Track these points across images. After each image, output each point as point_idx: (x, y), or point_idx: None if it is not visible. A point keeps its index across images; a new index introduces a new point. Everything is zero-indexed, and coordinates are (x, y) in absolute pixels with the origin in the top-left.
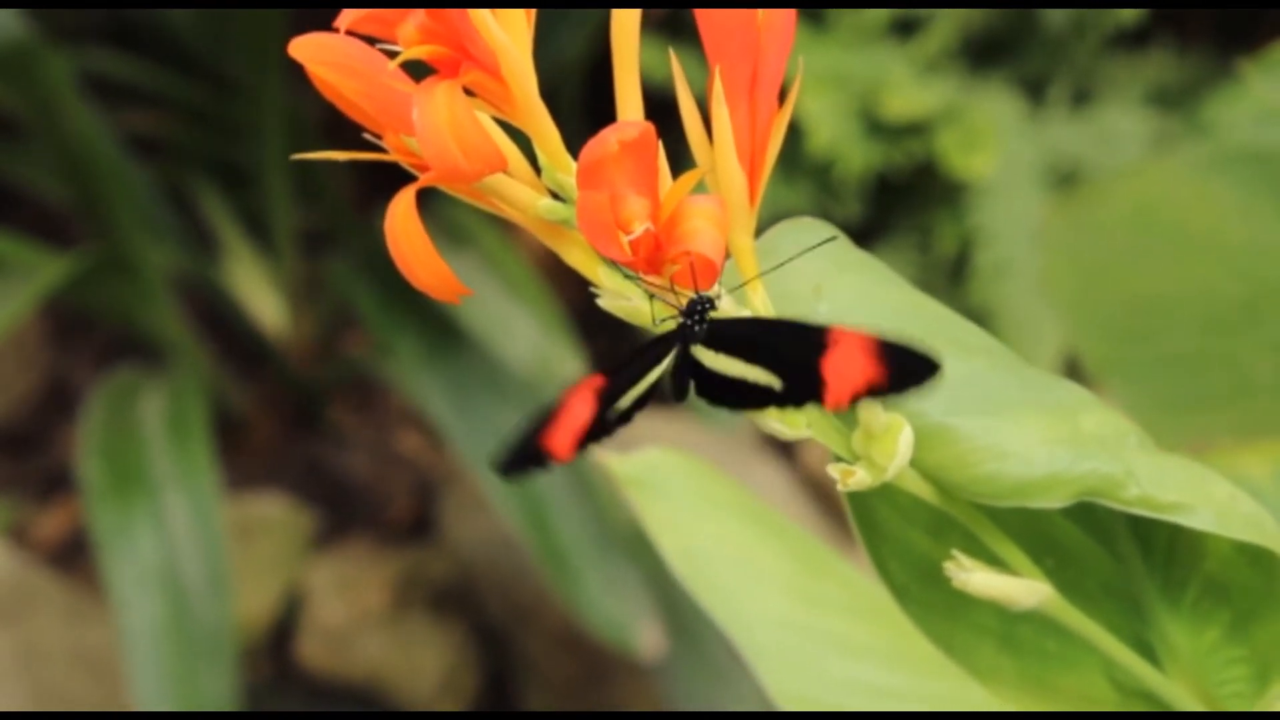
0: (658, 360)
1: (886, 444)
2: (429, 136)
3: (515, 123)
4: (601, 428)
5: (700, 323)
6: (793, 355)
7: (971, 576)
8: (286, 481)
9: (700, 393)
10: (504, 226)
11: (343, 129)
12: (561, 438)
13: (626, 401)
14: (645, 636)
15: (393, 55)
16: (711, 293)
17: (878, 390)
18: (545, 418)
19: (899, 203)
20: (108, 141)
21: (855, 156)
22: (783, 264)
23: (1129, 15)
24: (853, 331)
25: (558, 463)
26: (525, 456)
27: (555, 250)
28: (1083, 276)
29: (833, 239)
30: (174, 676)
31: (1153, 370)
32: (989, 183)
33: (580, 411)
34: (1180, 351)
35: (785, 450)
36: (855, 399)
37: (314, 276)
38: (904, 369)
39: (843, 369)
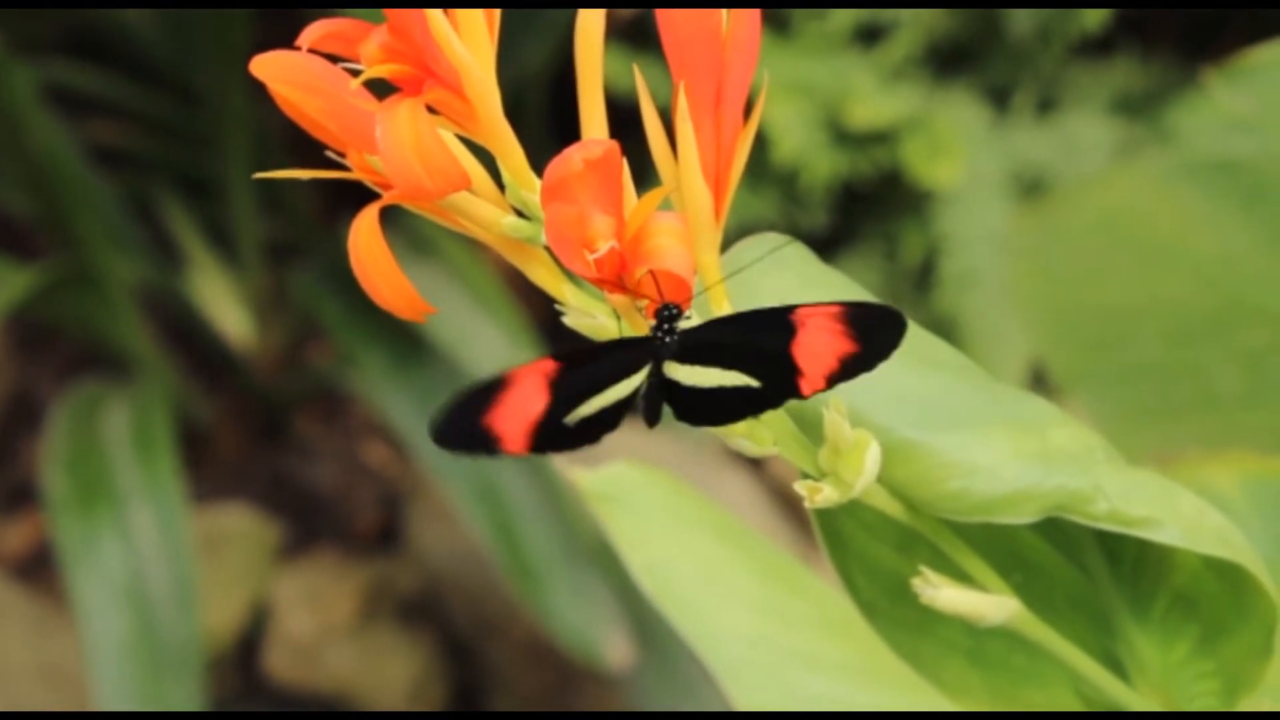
0: (625, 371)
1: (853, 460)
2: (392, 155)
3: (479, 140)
4: (560, 431)
5: (671, 333)
6: (765, 345)
7: (939, 592)
8: (252, 493)
9: (679, 415)
10: (469, 238)
11: (308, 141)
12: (511, 424)
13: (588, 409)
14: (613, 647)
15: (355, 73)
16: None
17: (851, 364)
18: (487, 390)
19: (865, 211)
20: (72, 153)
21: (821, 165)
22: (739, 270)
23: (1093, 22)
24: (817, 306)
25: (507, 452)
26: (466, 432)
27: (520, 268)
28: (1049, 286)
29: (797, 252)
30: (140, 689)
31: (1119, 380)
32: (954, 191)
33: (532, 398)
34: (1146, 361)
35: (753, 461)
36: (830, 380)
37: (279, 288)
38: (873, 335)
39: (814, 348)
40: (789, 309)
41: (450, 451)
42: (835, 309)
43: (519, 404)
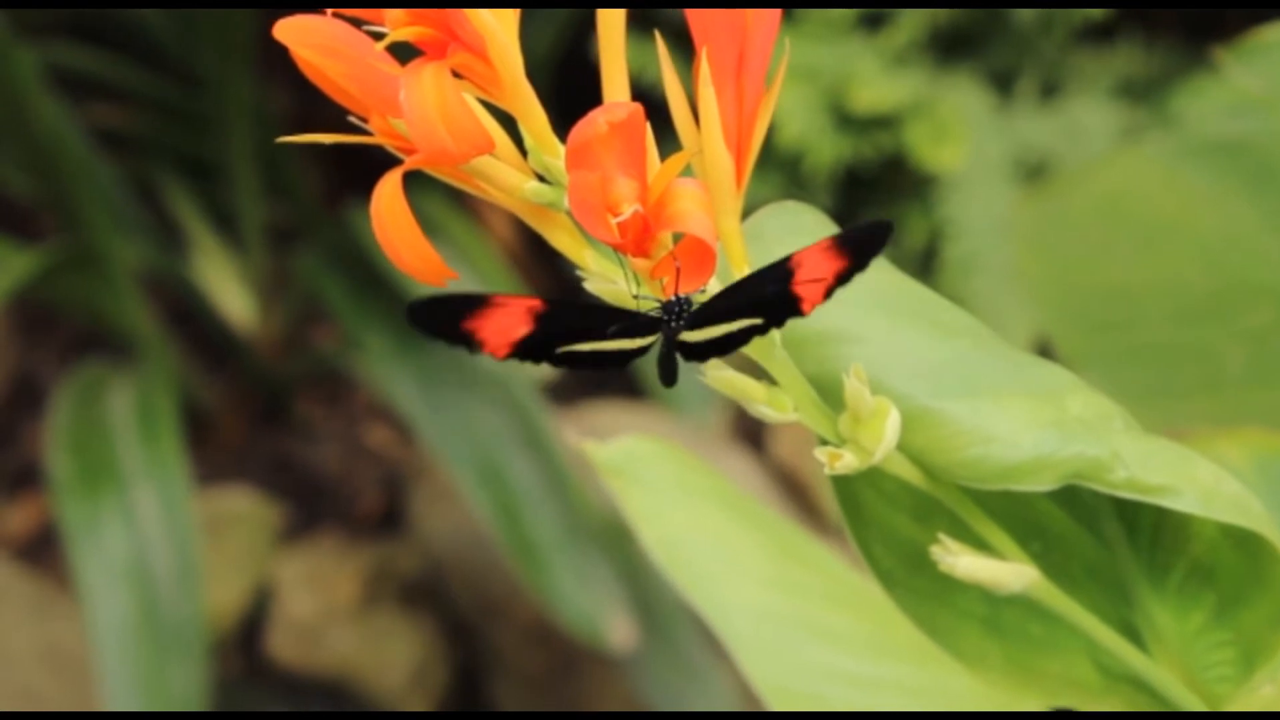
0: (629, 334)
1: (874, 427)
2: (417, 118)
3: (502, 105)
4: (543, 352)
5: (680, 322)
6: (769, 294)
7: (958, 560)
8: (255, 475)
9: (686, 358)
10: (474, 218)
11: (311, 123)
12: (493, 336)
13: (583, 348)
14: (616, 630)
15: (379, 37)
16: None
17: (845, 275)
18: (471, 301)
19: (868, 195)
20: (75, 136)
21: (825, 149)
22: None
23: (1097, 9)
24: (810, 246)
25: (485, 353)
26: (446, 324)
27: (541, 233)
28: (1053, 268)
29: (814, 219)
30: (143, 671)
31: (1125, 361)
32: (958, 175)
33: (514, 324)
34: (1151, 342)
35: (755, 442)
36: (827, 292)
37: (282, 271)
38: (862, 247)
39: (812, 275)
40: (785, 260)
41: (426, 335)
42: (826, 240)
43: (501, 324)
